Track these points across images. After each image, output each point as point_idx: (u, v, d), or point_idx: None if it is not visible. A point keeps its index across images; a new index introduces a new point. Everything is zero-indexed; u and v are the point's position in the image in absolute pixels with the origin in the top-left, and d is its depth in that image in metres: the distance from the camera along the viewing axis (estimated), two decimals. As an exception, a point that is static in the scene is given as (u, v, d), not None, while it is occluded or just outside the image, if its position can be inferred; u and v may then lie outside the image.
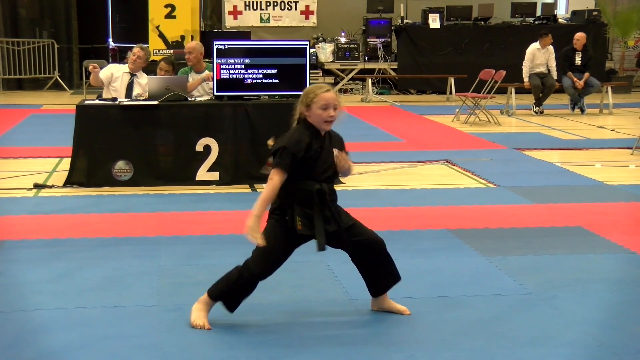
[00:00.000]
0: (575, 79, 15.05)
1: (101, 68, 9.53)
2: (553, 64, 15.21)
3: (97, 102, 8.78)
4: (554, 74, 15.21)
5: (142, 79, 9.24)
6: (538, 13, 19.91)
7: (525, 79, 15.19)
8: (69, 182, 8.37)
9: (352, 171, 4.65)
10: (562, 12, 21.25)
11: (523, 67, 15.22)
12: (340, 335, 4.44)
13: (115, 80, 9.19)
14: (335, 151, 4.53)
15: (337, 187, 8.42)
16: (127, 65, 9.32)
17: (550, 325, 4.58)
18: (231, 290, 4.56)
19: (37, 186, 8.36)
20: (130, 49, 9.59)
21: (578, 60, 15.24)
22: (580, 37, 15.36)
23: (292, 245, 4.54)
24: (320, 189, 4.42)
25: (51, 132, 12.24)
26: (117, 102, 8.56)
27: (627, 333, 4.48)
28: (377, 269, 4.67)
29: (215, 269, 5.60)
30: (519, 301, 4.99)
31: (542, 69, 15.19)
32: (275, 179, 4.35)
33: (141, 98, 8.88)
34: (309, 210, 4.43)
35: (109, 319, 4.68)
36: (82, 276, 5.46)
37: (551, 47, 15.18)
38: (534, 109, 15.29)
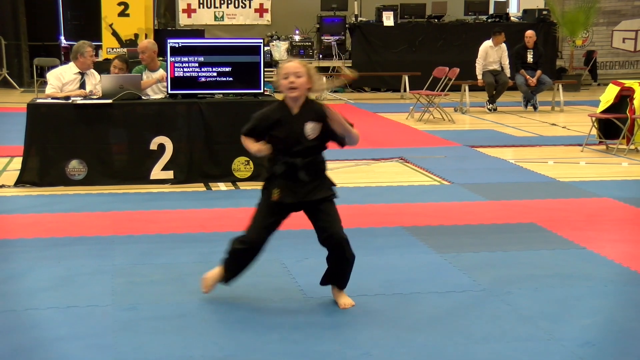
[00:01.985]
0: (527, 76, 15.23)
1: (51, 68, 9.36)
2: (506, 62, 15.36)
3: (50, 100, 8.65)
4: (507, 72, 15.37)
5: (92, 77, 9.12)
6: (491, 11, 20.12)
7: (479, 77, 15.33)
8: (20, 182, 8.26)
9: (345, 129, 4.60)
10: (514, 10, 21.49)
11: (476, 64, 15.35)
12: (296, 332, 4.44)
13: (66, 84, 9.00)
14: (309, 124, 4.59)
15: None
16: (72, 64, 9.14)
17: (504, 321, 4.63)
18: (231, 259, 4.82)
19: (-13, 186, 8.24)
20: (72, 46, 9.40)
21: (530, 57, 15.42)
22: (530, 34, 15.55)
23: (275, 213, 4.72)
24: (288, 162, 4.62)
25: (0, 130, 12.04)
26: (70, 101, 8.46)
27: (576, 326, 4.55)
28: (329, 261, 4.84)
29: (170, 268, 5.59)
30: (473, 297, 5.03)
31: (495, 67, 15.34)
32: (242, 138, 4.75)
33: (94, 96, 8.79)
34: (288, 182, 4.65)
35: (62, 319, 4.62)
36: (33, 277, 5.39)
37: (504, 45, 15.34)
38: (488, 107, 15.44)
